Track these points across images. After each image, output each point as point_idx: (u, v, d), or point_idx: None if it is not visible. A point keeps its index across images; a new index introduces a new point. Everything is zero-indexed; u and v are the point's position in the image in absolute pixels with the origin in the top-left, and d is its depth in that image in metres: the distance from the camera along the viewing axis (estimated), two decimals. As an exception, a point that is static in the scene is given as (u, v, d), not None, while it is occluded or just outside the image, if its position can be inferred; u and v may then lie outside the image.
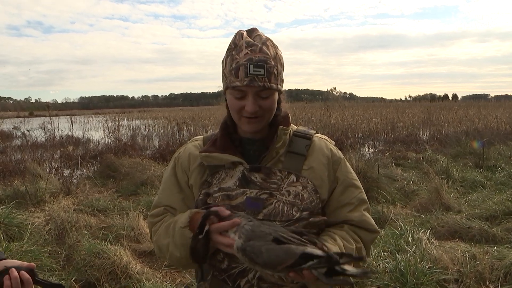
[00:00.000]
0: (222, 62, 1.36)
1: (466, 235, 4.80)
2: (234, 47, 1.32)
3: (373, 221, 1.43)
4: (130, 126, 20.52)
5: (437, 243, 4.30)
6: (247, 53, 1.28)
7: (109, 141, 13.84)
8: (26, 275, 1.30)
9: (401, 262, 3.64)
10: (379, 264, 3.79)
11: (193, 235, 1.23)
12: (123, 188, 7.98)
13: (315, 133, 1.47)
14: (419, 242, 4.18)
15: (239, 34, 1.34)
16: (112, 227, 5.23)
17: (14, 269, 1.30)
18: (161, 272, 4.21)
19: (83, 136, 15.60)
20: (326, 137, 1.51)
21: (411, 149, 12.13)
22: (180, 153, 1.50)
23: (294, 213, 1.31)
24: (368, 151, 12.09)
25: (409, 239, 4.28)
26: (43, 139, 12.55)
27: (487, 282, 3.63)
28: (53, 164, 9.91)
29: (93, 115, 39.04)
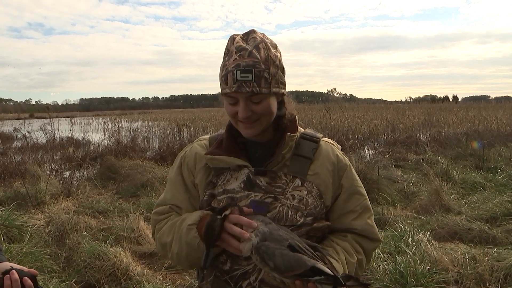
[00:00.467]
0: (219, 68, 1.36)
1: (466, 236, 4.80)
2: (227, 52, 1.31)
3: (376, 230, 1.43)
4: (130, 128, 20.56)
5: (437, 245, 4.30)
6: (236, 58, 1.26)
7: (110, 142, 13.85)
8: (29, 281, 1.31)
9: (401, 263, 3.64)
10: (379, 266, 3.79)
11: (211, 215, 1.24)
12: (124, 189, 7.99)
13: (322, 137, 1.46)
14: (419, 244, 4.18)
15: (231, 39, 1.33)
16: (112, 228, 5.23)
17: (15, 271, 1.30)
18: (161, 274, 4.21)
19: (84, 138, 15.62)
20: (333, 142, 1.49)
21: (411, 150, 12.13)
22: (186, 152, 1.50)
23: (298, 218, 1.31)
24: (368, 152, 12.08)
25: (409, 240, 4.28)
26: (44, 141, 12.56)
27: (487, 284, 3.63)
28: (53, 165, 9.92)
29: (93, 117, 39.07)
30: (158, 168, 9.29)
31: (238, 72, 1.24)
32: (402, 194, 6.86)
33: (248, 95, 1.27)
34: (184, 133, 15.22)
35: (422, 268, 3.60)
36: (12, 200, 6.31)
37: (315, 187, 1.35)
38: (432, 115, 19.88)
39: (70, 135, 15.76)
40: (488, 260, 3.92)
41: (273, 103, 1.33)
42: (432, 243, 4.26)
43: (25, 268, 1.35)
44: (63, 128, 16.02)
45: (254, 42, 1.29)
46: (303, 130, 1.47)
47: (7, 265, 1.34)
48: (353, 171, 1.46)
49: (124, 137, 15.72)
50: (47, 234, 4.95)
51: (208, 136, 1.53)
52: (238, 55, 1.27)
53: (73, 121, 19.72)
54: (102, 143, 14.26)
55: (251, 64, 1.25)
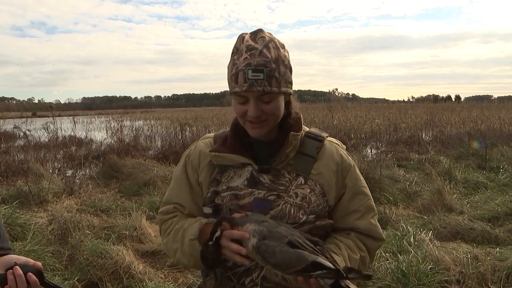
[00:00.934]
0: (227, 67, 1.35)
1: (468, 236, 4.80)
2: (236, 51, 1.31)
3: (380, 229, 1.43)
4: (133, 127, 20.59)
5: (439, 244, 4.30)
6: (246, 57, 1.26)
7: (112, 141, 13.85)
8: (33, 277, 1.30)
9: (403, 263, 3.64)
10: (381, 265, 3.79)
11: (203, 241, 1.25)
12: (126, 188, 8.00)
13: (327, 137, 1.46)
14: (421, 243, 4.18)
15: (240, 38, 1.32)
16: (114, 227, 5.24)
17: (18, 267, 1.30)
18: (163, 272, 4.22)
19: (86, 137, 15.65)
20: (338, 142, 1.49)
21: (414, 150, 12.11)
22: (191, 150, 1.50)
23: (300, 215, 1.32)
24: (371, 152, 12.09)
25: (411, 240, 4.28)
26: (46, 139, 12.58)
27: (489, 283, 3.63)
28: (56, 164, 9.93)
29: (96, 116, 39.14)
30: (160, 167, 9.30)
31: (249, 71, 1.24)
32: (404, 193, 6.86)
33: (259, 94, 1.27)
34: (187, 132, 15.23)
35: (424, 267, 3.60)
36: (15, 198, 6.33)
37: (318, 186, 1.35)
38: (434, 114, 19.84)
39: (72, 133, 15.78)
40: (490, 259, 3.92)
41: (282, 103, 1.34)
42: (434, 243, 4.26)
43: (31, 261, 1.34)
44: (65, 126, 16.03)
45: (263, 41, 1.29)
46: (308, 129, 1.47)
47: (11, 259, 1.34)
48: (357, 171, 1.46)
49: (126, 136, 15.73)
50: (49, 232, 4.96)
51: (213, 134, 1.54)
52: (248, 54, 1.26)
53: (75, 120, 19.77)
54: (105, 141, 14.28)
55: (262, 63, 1.25)
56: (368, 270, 3.61)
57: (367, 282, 3.61)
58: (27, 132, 11.49)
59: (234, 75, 1.28)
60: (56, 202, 6.54)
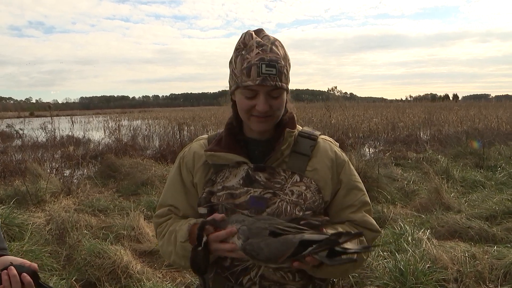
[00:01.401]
0: (231, 62, 1.37)
1: (466, 234, 4.81)
2: (244, 47, 1.32)
3: (374, 222, 1.44)
4: (130, 126, 20.57)
5: (437, 243, 4.31)
6: (258, 52, 1.29)
7: (110, 141, 13.84)
8: (27, 277, 1.30)
9: (401, 261, 3.65)
10: (379, 264, 3.80)
11: (192, 248, 1.25)
12: (124, 188, 7.99)
13: (320, 135, 1.47)
14: (419, 242, 4.19)
15: (248, 34, 1.34)
16: (112, 227, 5.24)
17: (13, 267, 1.30)
18: (161, 272, 4.22)
19: (84, 136, 15.62)
20: (331, 139, 1.51)
21: (412, 149, 12.13)
22: (185, 152, 1.51)
23: (297, 212, 1.33)
24: (369, 151, 12.08)
25: (409, 238, 4.28)
26: (44, 139, 12.56)
27: (487, 282, 3.64)
28: (53, 164, 9.92)
29: (93, 115, 39.07)
30: (158, 166, 9.30)
31: (263, 66, 1.27)
32: (402, 192, 6.87)
33: (271, 88, 1.30)
34: (184, 132, 15.23)
35: (422, 266, 3.60)
36: (12, 198, 6.31)
37: (313, 182, 1.36)
38: (432, 113, 19.86)
39: (70, 133, 15.75)
40: (487, 258, 3.94)
41: (285, 100, 1.38)
42: (432, 241, 4.27)
43: (26, 262, 1.34)
44: (63, 126, 16.00)
45: (269, 39, 1.33)
46: (301, 128, 1.48)
47: (7, 259, 1.33)
48: (351, 166, 1.48)
49: (124, 135, 15.72)
50: (47, 232, 4.95)
51: (207, 135, 1.54)
52: (260, 49, 1.29)
53: (73, 119, 19.71)
54: (103, 141, 14.26)
55: (275, 59, 1.28)
56: (364, 269, 3.61)
57: (365, 281, 3.62)
58: (20, 131, 11.46)
59: (246, 69, 1.29)
60: (54, 202, 6.53)
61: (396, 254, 3.85)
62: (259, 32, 1.36)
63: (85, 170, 9.91)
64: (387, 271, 3.64)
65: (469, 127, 15.84)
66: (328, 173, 1.40)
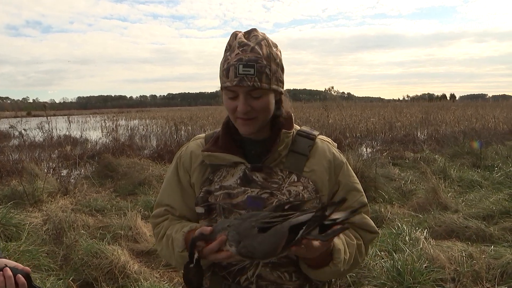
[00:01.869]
0: (220, 64, 1.36)
1: (463, 234, 4.82)
2: (229, 48, 1.32)
3: (373, 223, 1.44)
4: (128, 126, 20.54)
5: (434, 243, 4.31)
6: (238, 53, 1.27)
7: (107, 141, 13.82)
8: (22, 279, 1.30)
9: (398, 261, 3.65)
10: (376, 264, 3.80)
11: (184, 266, 1.24)
12: (121, 188, 7.98)
13: (318, 135, 1.47)
14: (416, 242, 4.19)
15: (233, 35, 1.34)
16: (110, 227, 5.23)
17: (8, 269, 1.30)
18: (158, 272, 4.21)
19: (81, 136, 15.57)
20: (329, 140, 1.50)
21: (409, 149, 12.14)
22: (182, 152, 1.51)
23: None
24: (366, 150, 12.10)
25: (407, 238, 4.29)
26: (41, 139, 12.53)
27: (484, 281, 3.65)
28: (50, 164, 9.89)
29: (91, 115, 39.00)
30: (155, 166, 9.29)
31: (240, 66, 1.25)
32: (399, 192, 6.88)
33: (249, 89, 1.28)
34: (182, 132, 15.22)
35: (419, 265, 3.61)
36: (9, 198, 6.30)
37: (311, 183, 1.36)
38: (429, 113, 19.88)
39: (67, 133, 15.72)
40: (484, 258, 3.94)
41: (272, 101, 1.34)
42: (429, 241, 4.27)
43: (20, 266, 1.34)
44: (60, 126, 15.98)
45: (256, 39, 1.30)
46: (299, 127, 1.48)
47: (2, 262, 1.34)
48: (350, 168, 1.47)
49: (121, 135, 15.67)
50: (44, 232, 4.94)
51: (204, 134, 1.54)
52: (240, 50, 1.28)
53: (70, 119, 19.65)
54: (100, 141, 14.24)
55: (254, 59, 1.26)
56: (362, 268, 3.61)
57: (362, 281, 3.62)
58: (23, 132, 11.43)
59: (225, 70, 1.29)
60: (51, 202, 6.52)
61: (394, 254, 3.86)
62: (249, 32, 1.35)
63: (82, 170, 9.89)
64: (384, 271, 3.64)
65: (466, 127, 15.87)
66: (325, 174, 1.39)
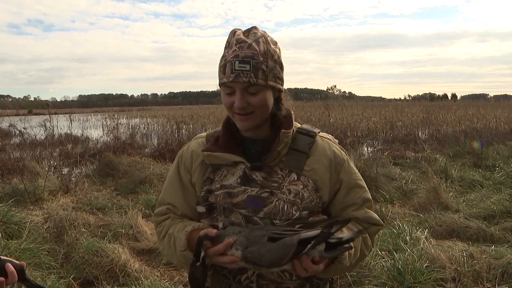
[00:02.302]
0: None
1: (464, 234, 4.81)
2: (227, 45, 1.33)
3: (376, 216, 1.44)
4: (129, 125, 20.56)
5: (435, 242, 4.31)
6: (235, 49, 1.29)
7: (108, 139, 13.83)
8: (11, 267, 1.33)
9: (399, 261, 3.65)
10: (377, 263, 3.80)
11: (190, 264, 1.25)
12: (122, 186, 7.99)
13: (319, 132, 1.46)
14: (417, 241, 4.19)
15: (232, 32, 1.35)
16: (110, 225, 5.23)
17: (9, 264, 1.33)
18: (159, 270, 4.22)
19: (82, 135, 15.60)
20: (330, 137, 1.50)
21: (410, 148, 12.14)
22: (183, 151, 1.51)
23: (294, 212, 1.32)
24: (367, 150, 12.09)
25: (407, 238, 4.29)
26: (42, 137, 12.54)
27: (484, 281, 3.64)
28: (52, 162, 9.91)
29: (92, 113, 39.02)
30: (156, 165, 9.29)
31: (236, 62, 1.27)
32: (400, 191, 6.88)
33: (245, 85, 1.28)
34: (183, 130, 15.23)
35: (420, 265, 3.61)
36: (10, 196, 6.31)
37: (311, 181, 1.36)
38: (430, 113, 19.88)
39: (68, 131, 15.73)
40: (485, 258, 3.94)
41: (269, 97, 1.34)
42: (430, 241, 4.27)
43: (14, 261, 1.37)
44: (61, 124, 16.01)
45: (254, 36, 1.31)
46: (300, 125, 1.48)
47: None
48: (351, 164, 1.47)
49: (122, 133, 15.69)
50: (45, 230, 4.94)
51: (205, 133, 1.54)
52: (237, 46, 1.29)
53: (71, 117, 19.72)
54: (101, 139, 14.26)
55: (250, 55, 1.27)
56: (362, 268, 3.61)
57: (363, 280, 3.62)
58: (23, 131, 11.45)
59: (222, 67, 1.31)
60: (52, 200, 6.53)
61: (394, 254, 3.85)
62: (249, 30, 1.36)
63: (83, 168, 9.90)
64: (385, 271, 3.64)
65: (468, 127, 15.87)
66: (326, 172, 1.39)
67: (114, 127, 16.17)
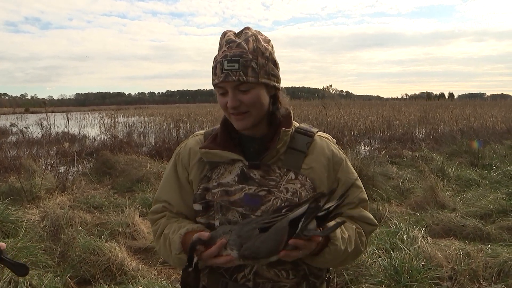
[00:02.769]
0: None
1: (461, 233, 4.83)
2: (219, 47, 1.35)
3: (371, 216, 1.45)
4: (126, 123, 20.53)
5: (432, 241, 4.32)
6: (225, 50, 1.30)
7: (105, 138, 13.82)
8: None
9: (395, 259, 3.66)
10: (374, 262, 3.80)
11: (182, 270, 1.25)
12: (119, 184, 7.98)
13: (317, 131, 1.46)
14: (414, 240, 4.19)
15: (222, 34, 1.36)
16: (107, 223, 5.22)
17: None
18: (156, 269, 4.21)
19: (79, 133, 15.59)
20: (328, 136, 1.50)
21: (407, 147, 12.15)
22: (181, 148, 1.51)
23: None
24: (364, 149, 12.12)
25: (404, 237, 4.29)
26: (39, 136, 12.51)
27: (481, 280, 3.66)
28: (48, 160, 9.88)
29: (89, 112, 38.98)
30: (153, 163, 9.28)
31: (225, 62, 1.28)
32: (397, 190, 6.88)
33: (235, 84, 1.29)
34: (180, 129, 15.21)
35: (416, 264, 3.62)
36: (7, 195, 6.29)
37: (308, 180, 1.36)
38: (427, 112, 19.94)
39: (65, 130, 15.70)
40: (482, 256, 3.95)
41: (263, 94, 1.34)
42: (427, 240, 4.28)
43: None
44: (58, 123, 15.95)
45: (245, 36, 1.32)
46: (298, 124, 1.48)
47: None
48: (349, 164, 1.47)
49: (120, 132, 15.69)
50: (42, 229, 4.93)
51: (203, 131, 1.54)
52: (227, 47, 1.31)
53: (68, 116, 19.63)
54: (98, 138, 14.23)
55: (238, 54, 1.28)
56: (359, 267, 3.61)
57: (359, 279, 3.63)
58: (24, 130, 11.42)
59: (213, 68, 1.33)
60: (49, 198, 6.51)
61: (391, 252, 3.86)
62: (242, 31, 1.37)
63: (80, 167, 9.87)
64: (382, 269, 3.65)
65: (465, 126, 15.90)
66: (324, 171, 1.39)
67: (111, 125, 16.14)
